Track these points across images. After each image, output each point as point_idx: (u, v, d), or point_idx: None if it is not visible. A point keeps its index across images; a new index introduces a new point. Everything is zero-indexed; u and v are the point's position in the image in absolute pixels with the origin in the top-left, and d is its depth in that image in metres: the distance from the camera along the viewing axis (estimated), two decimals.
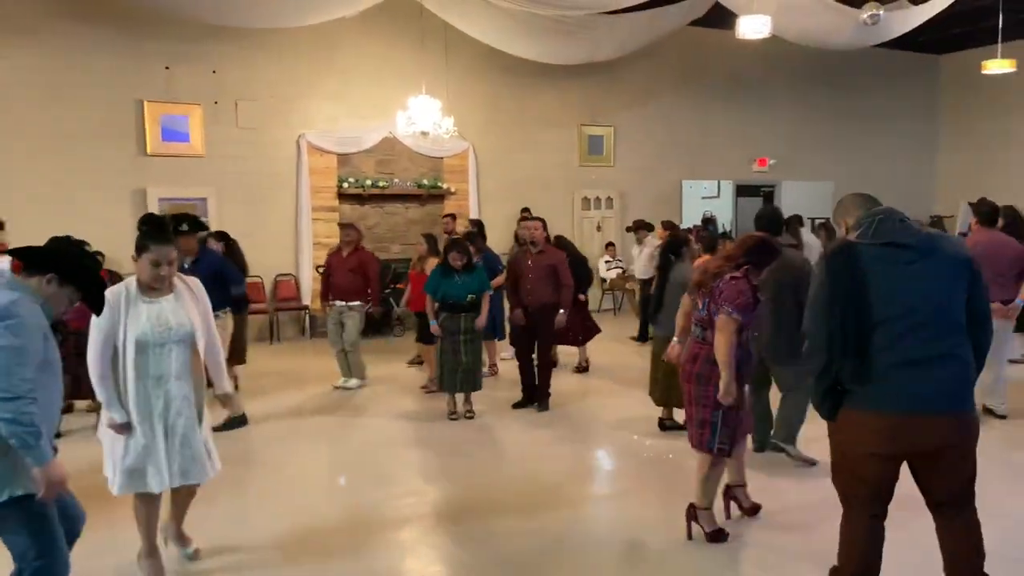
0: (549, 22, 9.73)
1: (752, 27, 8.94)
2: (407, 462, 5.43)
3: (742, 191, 14.62)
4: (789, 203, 14.23)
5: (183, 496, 3.64)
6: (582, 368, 8.03)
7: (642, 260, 9.87)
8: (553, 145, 12.30)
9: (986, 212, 5.95)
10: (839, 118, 14.41)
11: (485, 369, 7.22)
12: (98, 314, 2.99)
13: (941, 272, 2.80)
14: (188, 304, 3.41)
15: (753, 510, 4.22)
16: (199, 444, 3.44)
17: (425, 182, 11.13)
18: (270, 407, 6.66)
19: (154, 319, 3.29)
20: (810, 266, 4.59)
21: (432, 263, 6.83)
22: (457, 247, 6.28)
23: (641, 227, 10.23)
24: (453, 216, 9.53)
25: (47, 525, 2.64)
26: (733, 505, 4.24)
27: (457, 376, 6.22)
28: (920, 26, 10.61)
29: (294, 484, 4.91)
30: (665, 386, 5.66)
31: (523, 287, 6.50)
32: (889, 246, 2.82)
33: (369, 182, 10.74)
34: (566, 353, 8.21)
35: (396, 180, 10.97)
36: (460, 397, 6.38)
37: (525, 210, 11.55)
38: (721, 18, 10.32)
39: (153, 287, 3.33)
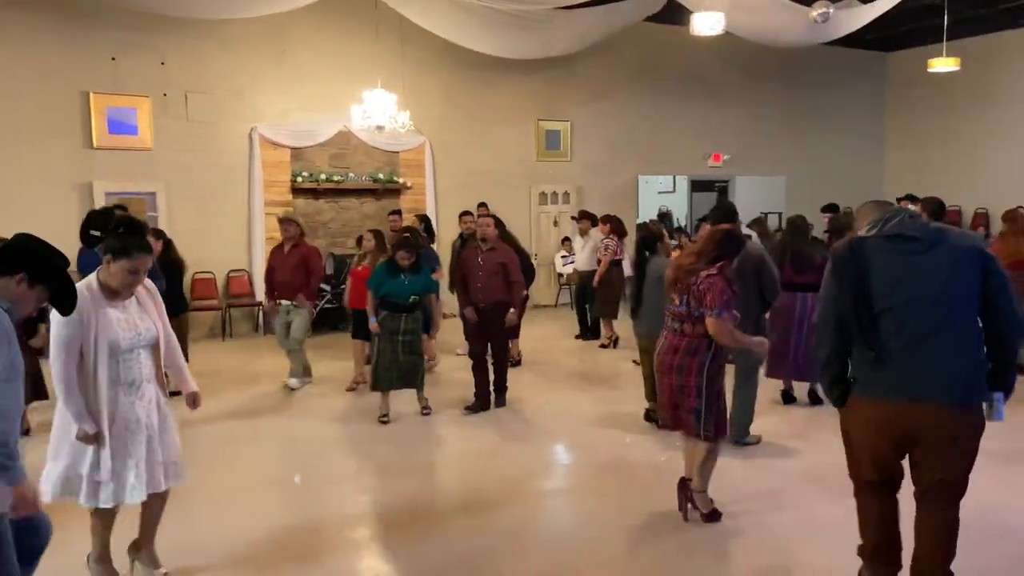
0: (505, 16, 9.72)
1: (706, 24, 9.05)
2: (357, 462, 5.38)
3: (697, 186, 14.80)
4: (743, 198, 14.44)
5: (156, 507, 3.49)
6: (514, 363, 7.87)
7: (585, 253, 9.64)
8: (510, 140, 12.29)
9: (934, 208, 6.12)
10: (791, 114, 14.67)
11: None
12: (67, 315, 2.85)
13: (948, 263, 2.84)
14: (150, 307, 3.37)
15: (713, 516, 4.12)
16: (176, 446, 3.43)
17: (381, 176, 11.03)
18: (218, 407, 6.48)
19: (123, 324, 3.22)
20: (767, 254, 5.09)
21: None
22: (407, 246, 6.14)
23: (585, 218, 9.95)
24: (399, 212, 9.34)
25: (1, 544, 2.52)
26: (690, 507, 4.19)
27: (392, 375, 6.07)
28: (868, 24, 10.86)
29: (245, 489, 4.80)
30: (647, 381, 5.75)
31: (473, 285, 6.39)
32: (896, 238, 2.91)
33: (323, 176, 10.60)
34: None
35: (351, 174, 10.85)
36: (396, 398, 6.21)
37: (482, 205, 11.53)
38: (675, 14, 10.41)
39: (117, 292, 3.24)
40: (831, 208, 9.79)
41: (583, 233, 9.78)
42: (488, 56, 10.77)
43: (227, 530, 4.10)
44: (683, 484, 4.18)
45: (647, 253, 5.74)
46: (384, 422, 6.08)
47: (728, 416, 4.10)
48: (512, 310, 6.42)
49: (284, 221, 7.38)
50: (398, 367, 6.06)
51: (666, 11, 10.59)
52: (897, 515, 3.11)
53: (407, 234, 6.82)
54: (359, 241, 8.23)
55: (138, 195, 9.54)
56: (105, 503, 3.24)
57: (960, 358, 2.85)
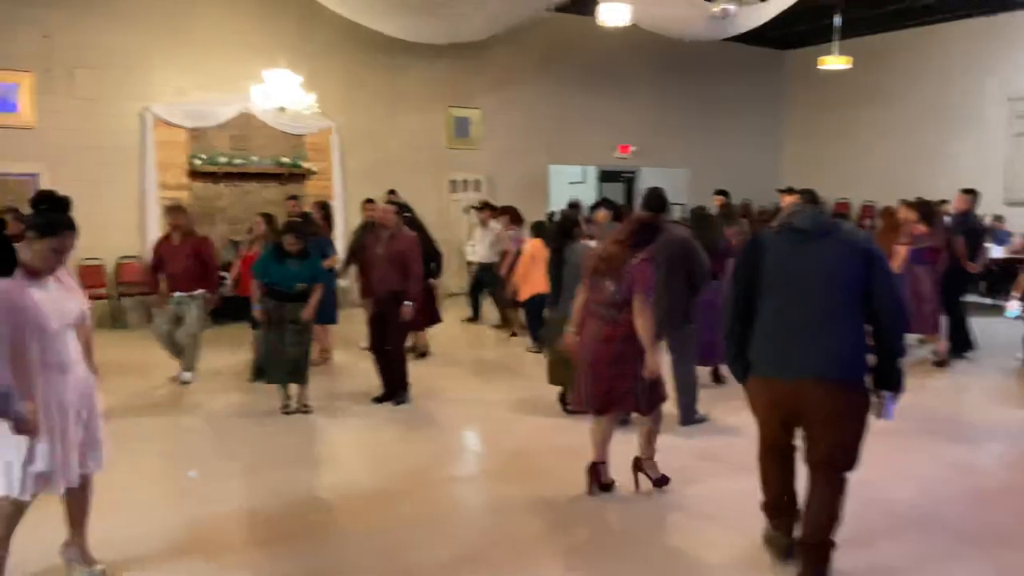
0: None
1: (612, 15, 9.19)
2: (257, 455, 5.17)
3: (605, 176, 15.03)
4: (647, 186, 14.77)
5: (82, 497, 3.32)
6: (422, 354, 7.75)
7: (485, 244, 9.52)
8: (420, 126, 12.14)
9: (808, 199, 6.38)
10: (695, 107, 15.07)
11: (315, 356, 6.74)
12: (6, 275, 2.74)
13: (831, 256, 3.08)
14: (72, 285, 3.23)
15: (662, 481, 4.28)
16: (101, 430, 3.35)
17: (285, 160, 10.68)
18: (108, 401, 6.04)
19: (50, 304, 3.03)
20: (694, 240, 5.24)
21: None
22: (294, 230, 5.84)
23: (485, 209, 9.86)
24: (297, 198, 8.99)
25: None
26: (641, 476, 4.30)
27: (283, 368, 5.78)
28: (766, 22, 11.25)
29: (138, 485, 4.54)
30: (560, 367, 5.67)
31: (372, 274, 6.17)
32: (787, 230, 3.19)
33: (223, 159, 10.19)
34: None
35: (253, 158, 10.46)
36: (294, 389, 5.94)
37: (391, 192, 11.35)
38: (584, 5, 10.52)
39: (39, 271, 3.03)
40: (723, 192, 10.10)
41: (483, 224, 9.72)
42: (397, 40, 10.59)
43: (124, 526, 3.87)
44: (594, 468, 4.21)
45: (566, 239, 5.73)
46: (287, 412, 5.87)
47: (657, 385, 4.15)
48: (407, 303, 6.03)
49: (174, 210, 6.99)
50: (285, 359, 5.75)
51: (575, 1, 10.69)
52: (793, 475, 3.39)
53: (298, 219, 6.61)
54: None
55: (19, 176, 8.93)
56: (34, 493, 3.06)
57: (836, 340, 3.05)
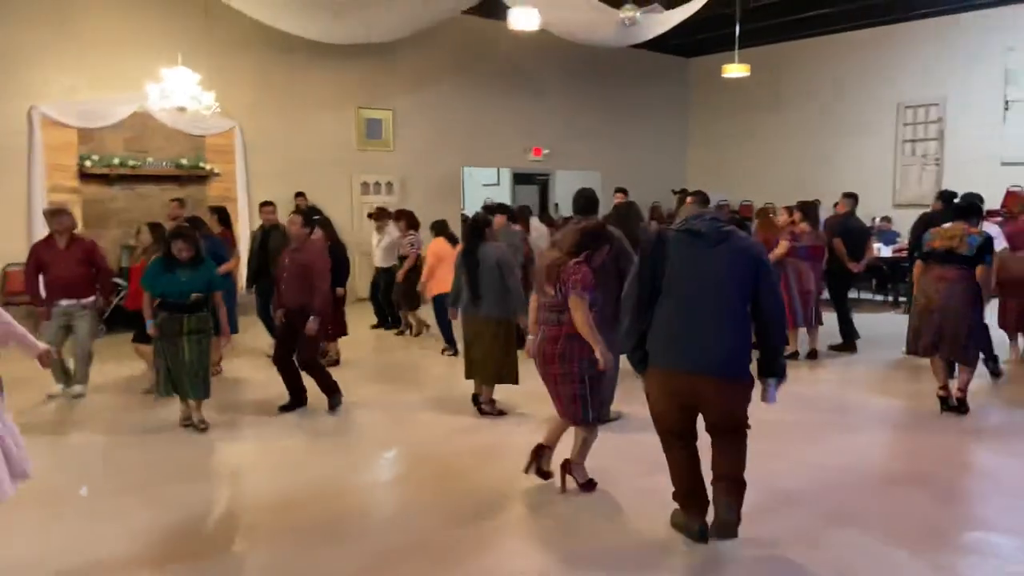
0: None
1: (522, 19, 9.24)
2: (153, 470, 4.95)
3: (519, 179, 15.14)
4: (562, 192, 15.00)
5: None
6: (334, 362, 7.56)
7: (381, 249, 9.38)
8: (329, 127, 11.90)
9: (702, 200, 6.60)
10: (605, 112, 15.36)
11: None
12: None
13: (725, 259, 3.35)
14: None
15: (588, 485, 4.34)
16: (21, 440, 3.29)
17: (184, 162, 10.27)
18: None
19: None
20: (625, 242, 5.29)
21: None
22: (183, 237, 5.49)
23: (383, 215, 9.67)
24: (181, 201, 8.52)
25: None
26: (569, 478, 4.35)
27: (184, 382, 5.46)
28: (672, 30, 11.56)
29: (12, 511, 4.25)
30: (476, 365, 5.80)
31: (279, 286, 5.99)
32: (688, 232, 3.43)
33: (117, 161, 9.70)
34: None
35: (150, 159, 10.01)
36: (193, 402, 5.63)
37: (299, 195, 11.11)
38: (495, 8, 10.55)
39: None
40: (622, 190, 10.29)
41: (379, 229, 9.54)
42: (304, 39, 10.35)
43: (8, 550, 3.63)
44: (539, 449, 4.34)
45: (478, 241, 5.76)
46: (188, 425, 5.62)
47: (601, 401, 4.33)
48: (312, 318, 5.80)
49: (57, 213, 6.55)
50: (186, 374, 5.45)
51: (486, 5, 10.71)
52: (698, 462, 3.59)
53: (185, 223, 6.29)
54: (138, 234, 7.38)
55: None
56: None
57: (729, 339, 3.34)
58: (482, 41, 13.16)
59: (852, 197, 8.69)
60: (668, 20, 11.21)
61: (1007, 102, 12.76)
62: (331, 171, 11.84)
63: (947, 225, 5.84)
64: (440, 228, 8.41)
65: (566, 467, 4.33)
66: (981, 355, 6.17)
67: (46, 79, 9.33)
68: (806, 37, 14.61)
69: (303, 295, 5.82)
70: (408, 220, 9.08)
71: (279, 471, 4.87)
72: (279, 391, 6.13)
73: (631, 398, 5.81)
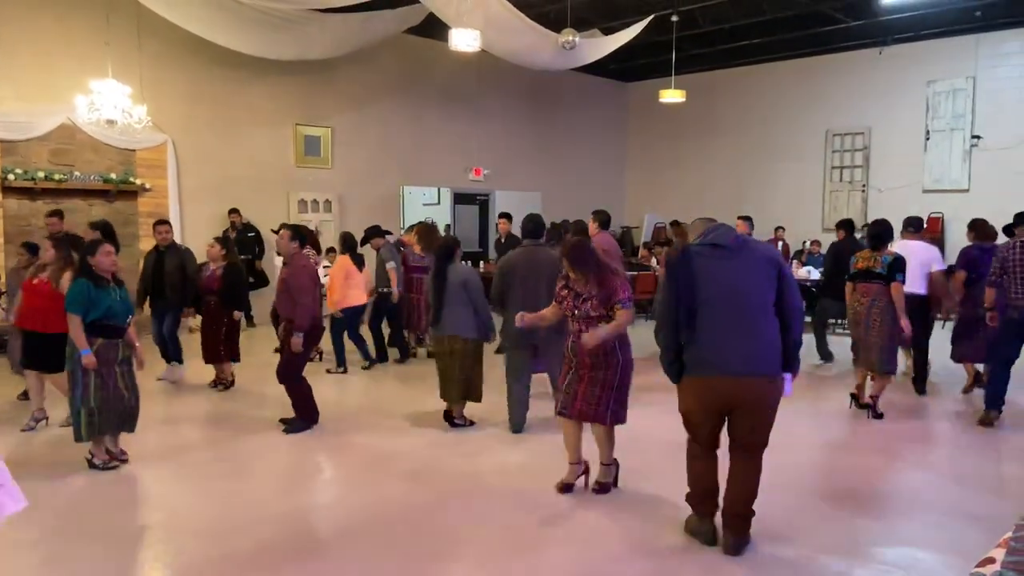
0: (255, 13, 9.25)
1: (463, 40, 9.26)
2: (49, 525, 4.72)
3: (460, 199, 15.10)
4: (502, 210, 15.01)
5: None
6: (227, 385, 7.28)
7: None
8: (266, 143, 11.70)
9: (603, 220, 6.93)
10: (545, 133, 15.52)
11: None
12: None
13: (748, 267, 3.60)
14: None
15: (604, 489, 4.60)
16: None
17: (113, 177, 9.92)
18: None
19: None
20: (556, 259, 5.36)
21: (68, 276, 5.31)
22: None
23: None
24: (60, 214, 7.93)
25: None
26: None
27: (117, 416, 4.99)
28: (610, 55, 11.79)
29: None
30: (448, 383, 5.93)
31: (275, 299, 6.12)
32: (711, 246, 3.65)
33: (42, 174, 9.32)
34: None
35: (77, 173, 9.65)
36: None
37: (233, 211, 10.89)
38: (436, 29, 10.58)
39: None
40: (506, 215, 10.38)
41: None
42: (240, 54, 10.18)
43: None
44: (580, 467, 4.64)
45: (448, 261, 5.91)
46: (112, 467, 5.02)
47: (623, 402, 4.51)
48: (296, 334, 5.80)
49: None
50: (122, 407, 5.01)
51: (427, 25, 10.74)
52: (716, 468, 3.83)
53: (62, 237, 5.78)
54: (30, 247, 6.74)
55: None
56: None
57: (760, 340, 3.57)
58: (423, 61, 13.16)
59: (747, 220, 9.44)
60: (607, 45, 11.43)
61: (928, 132, 13.37)
62: (268, 188, 11.63)
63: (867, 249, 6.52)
64: (348, 245, 8.31)
65: (587, 469, 4.65)
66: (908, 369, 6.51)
67: None
68: (740, 65, 15.08)
69: (288, 310, 5.91)
70: (311, 239, 8.71)
71: (208, 498, 4.69)
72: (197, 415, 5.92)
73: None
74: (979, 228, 7.20)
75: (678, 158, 16.35)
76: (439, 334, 5.92)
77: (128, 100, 8.87)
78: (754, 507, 3.75)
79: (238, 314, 7.27)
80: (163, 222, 7.65)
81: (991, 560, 1.89)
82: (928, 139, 13.38)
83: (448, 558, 3.81)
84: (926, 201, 13.12)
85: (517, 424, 5.87)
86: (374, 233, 8.83)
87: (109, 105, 8.70)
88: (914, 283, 6.65)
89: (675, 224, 11.35)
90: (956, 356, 7.25)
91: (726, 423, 3.73)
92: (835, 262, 8.10)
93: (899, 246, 6.77)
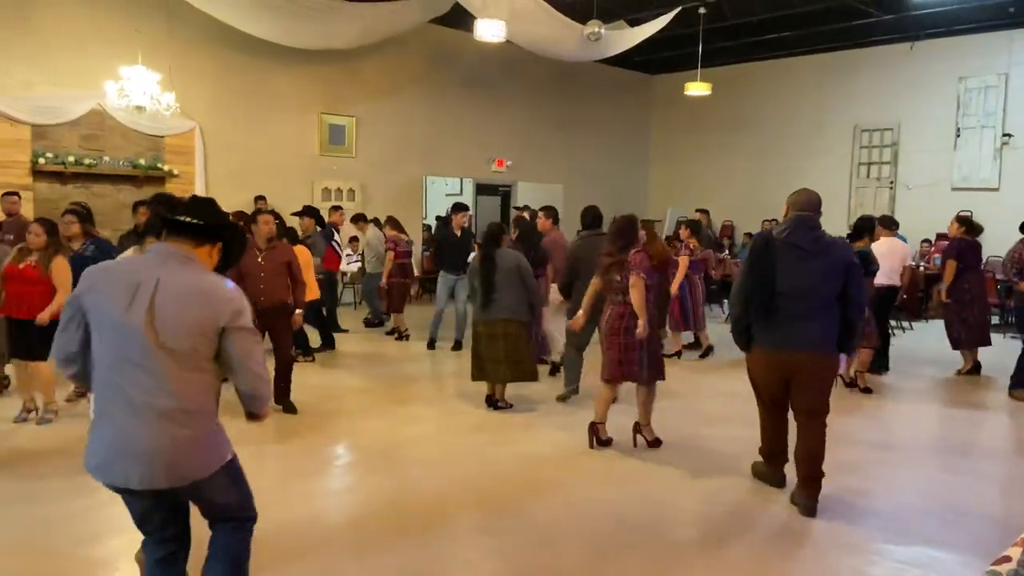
0: (284, 1, 9.33)
1: (489, 30, 9.29)
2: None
3: (482, 189, 15.15)
4: (525, 203, 15.01)
5: None
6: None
7: None
8: (291, 131, 11.80)
9: (590, 220, 6.87)
10: (568, 125, 15.47)
11: None
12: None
13: (821, 269, 4.11)
14: None
15: (656, 443, 5.26)
16: None
17: (142, 162, 10.07)
18: None
19: None
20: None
21: (59, 261, 5.42)
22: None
23: (242, 219, 9.02)
24: (17, 196, 7.80)
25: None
26: (639, 438, 5.28)
27: None
28: (636, 47, 11.73)
29: None
30: (493, 366, 6.12)
31: (253, 285, 5.80)
32: (791, 245, 4.13)
33: (72, 159, 9.48)
34: None
35: (106, 158, 9.80)
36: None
37: (260, 198, 10.99)
38: (462, 19, 10.60)
39: None
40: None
41: None
42: (267, 42, 10.26)
43: None
44: (593, 426, 5.23)
45: (494, 247, 6.14)
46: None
47: (657, 363, 5.16)
48: (298, 311, 6.10)
49: None
50: None
51: (452, 15, 10.75)
52: (786, 427, 4.45)
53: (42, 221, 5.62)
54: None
55: None
56: None
57: (821, 324, 4.14)
58: (447, 51, 13.18)
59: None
60: (633, 37, 11.37)
61: (958, 129, 13.17)
62: (292, 176, 11.73)
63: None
64: (293, 237, 7.85)
65: (637, 428, 5.25)
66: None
67: (0, 73, 9.10)
68: (767, 59, 14.93)
69: (285, 291, 6.01)
70: (318, 218, 8.72)
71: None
72: None
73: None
74: (967, 223, 7.90)
75: (702, 152, 16.24)
76: (490, 317, 6.04)
77: (157, 87, 9.00)
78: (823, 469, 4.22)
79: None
80: (143, 203, 7.13)
81: (1007, 559, 1.89)
82: (958, 136, 13.18)
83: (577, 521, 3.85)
84: (955, 199, 12.94)
85: (573, 382, 6.50)
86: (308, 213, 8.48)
87: (138, 91, 8.83)
88: (892, 275, 7.39)
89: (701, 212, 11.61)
90: (953, 344, 7.85)
91: (789, 392, 4.30)
92: None
93: (882, 242, 7.38)
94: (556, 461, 5.07)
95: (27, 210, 8.76)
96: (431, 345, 8.80)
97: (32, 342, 5.40)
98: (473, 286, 6.28)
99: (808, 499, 4.16)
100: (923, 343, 9.75)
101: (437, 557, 3.65)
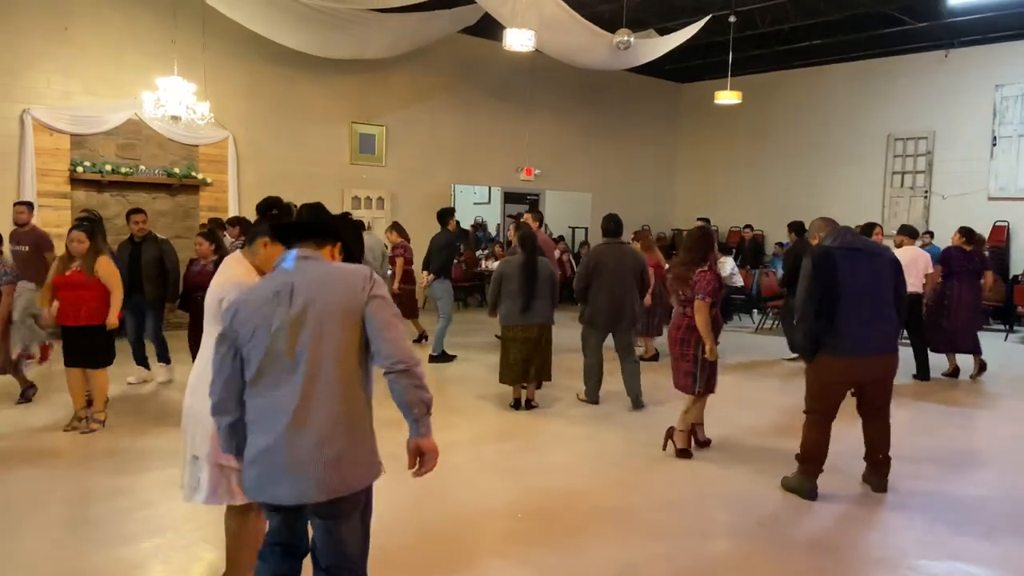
0: (315, 13, 9.46)
1: (518, 40, 9.32)
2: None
3: (510, 198, 15.18)
4: (552, 212, 15.05)
5: None
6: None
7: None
8: (322, 141, 11.94)
9: (612, 228, 6.88)
10: (597, 134, 15.46)
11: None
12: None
13: (879, 268, 4.42)
14: None
15: (707, 443, 5.48)
16: None
17: (177, 171, 10.26)
18: None
19: None
20: (642, 256, 7.06)
21: (103, 261, 5.53)
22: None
23: (214, 225, 8.47)
24: (25, 204, 7.83)
25: None
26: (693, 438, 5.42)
27: None
28: (665, 55, 11.70)
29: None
30: (530, 367, 6.34)
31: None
32: (850, 249, 4.39)
33: (109, 167, 9.68)
34: None
35: (142, 167, 10.00)
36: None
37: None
38: (490, 28, 10.66)
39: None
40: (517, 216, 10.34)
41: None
42: (299, 53, 10.41)
43: None
44: (692, 428, 5.35)
45: (535, 253, 6.35)
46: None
47: (708, 377, 5.20)
48: None
49: None
50: None
51: (481, 24, 10.83)
52: (829, 436, 4.50)
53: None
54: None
55: None
56: None
57: (889, 325, 4.43)
58: (476, 60, 13.26)
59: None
60: (662, 46, 11.35)
61: (995, 138, 12.94)
62: (323, 184, 11.85)
63: None
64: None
65: (669, 434, 5.31)
66: None
67: (41, 83, 9.34)
68: (798, 67, 14.81)
69: None
70: (243, 228, 8.31)
71: None
72: None
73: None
74: (967, 233, 8.19)
75: (732, 160, 16.13)
76: (530, 322, 6.27)
77: (192, 97, 9.15)
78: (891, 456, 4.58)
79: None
80: (138, 211, 7.23)
81: None
82: (995, 145, 12.95)
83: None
84: (991, 209, 12.71)
85: (594, 394, 6.65)
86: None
87: (174, 101, 8.98)
88: (915, 284, 7.61)
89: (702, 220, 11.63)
90: (929, 346, 8.16)
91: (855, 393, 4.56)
92: (792, 263, 8.43)
93: (905, 250, 7.69)
94: (582, 469, 5.06)
95: (65, 218, 8.99)
96: (449, 357, 8.59)
97: (89, 349, 5.45)
98: (498, 291, 6.36)
99: (880, 478, 4.57)
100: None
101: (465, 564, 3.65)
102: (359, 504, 2.42)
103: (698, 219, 12.36)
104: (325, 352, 2.29)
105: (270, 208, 3.14)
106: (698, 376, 5.13)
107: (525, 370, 6.34)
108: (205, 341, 2.92)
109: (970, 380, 8.06)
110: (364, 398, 2.38)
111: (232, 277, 2.86)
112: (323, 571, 2.43)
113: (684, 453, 5.23)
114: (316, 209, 2.68)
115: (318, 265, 2.40)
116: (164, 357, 7.19)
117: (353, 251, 2.61)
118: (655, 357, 8.71)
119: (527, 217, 8.14)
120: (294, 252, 2.42)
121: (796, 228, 9.09)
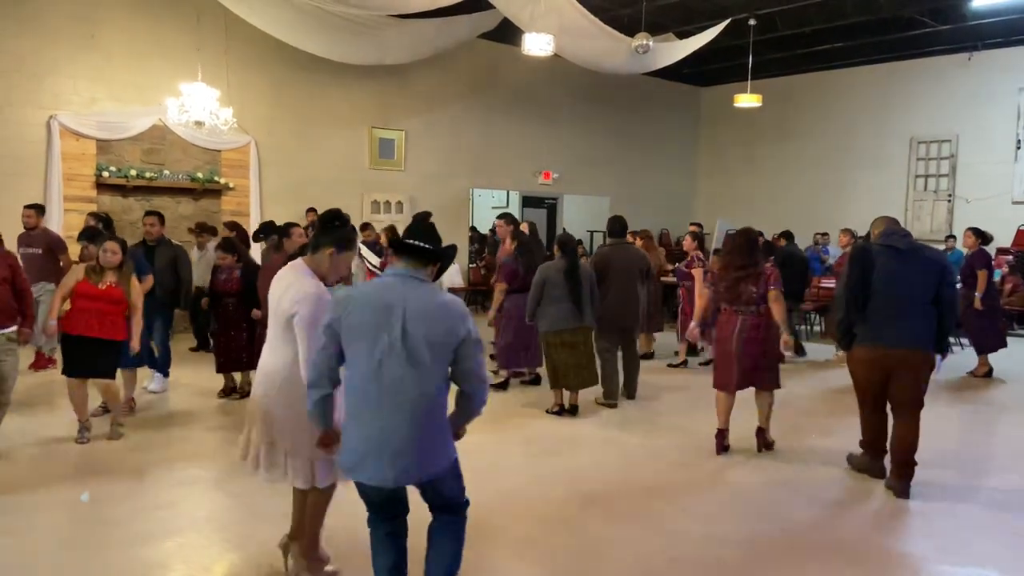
0: (337, 19, 9.55)
1: (537, 44, 9.35)
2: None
3: (528, 202, 15.20)
4: (570, 216, 15.07)
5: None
6: (245, 393, 6.70)
7: (201, 267, 8.10)
8: (342, 145, 12.04)
9: (618, 229, 7.10)
10: (615, 138, 15.45)
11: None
12: None
13: (918, 269, 4.51)
14: None
15: (771, 446, 5.53)
16: None
17: (200, 176, 10.39)
18: None
19: None
20: (646, 254, 7.43)
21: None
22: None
23: (204, 231, 8.79)
24: (34, 208, 7.78)
25: None
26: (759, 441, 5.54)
27: None
28: (684, 59, 11.68)
29: None
30: (578, 372, 6.34)
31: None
32: (888, 248, 4.55)
33: (134, 172, 9.84)
34: None
35: (166, 172, 10.14)
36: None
37: (311, 211, 11.23)
38: (509, 33, 10.71)
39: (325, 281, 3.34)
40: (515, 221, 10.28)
41: (200, 247, 8.65)
42: (320, 58, 10.51)
43: None
44: (721, 433, 5.42)
45: (577, 259, 6.41)
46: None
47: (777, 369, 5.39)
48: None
49: None
50: None
51: (500, 29, 10.88)
52: (885, 422, 4.77)
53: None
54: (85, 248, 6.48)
55: None
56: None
57: (918, 323, 4.52)
58: (495, 65, 13.31)
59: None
60: (681, 50, 11.33)
61: (1019, 141, 12.78)
62: (343, 189, 11.94)
63: None
64: (228, 244, 7.07)
65: (760, 433, 5.46)
66: None
67: (67, 89, 9.50)
68: (819, 70, 14.71)
69: None
70: (239, 234, 8.40)
71: None
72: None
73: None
74: (981, 234, 8.33)
75: (751, 164, 16.05)
76: (578, 325, 6.28)
77: (216, 103, 9.27)
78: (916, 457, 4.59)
79: (258, 312, 6.24)
80: (152, 213, 7.04)
81: None
82: (1019, 148, 12.81)
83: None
84: (1016, 212, 12.55)
85: (614, 392, 6.72)
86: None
87: (198, 107, 9.11)
88: None
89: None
90: (980, 349, 8.30)
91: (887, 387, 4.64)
92: (783, 267, 8.45)
93: None
94: (603, 472, 5.08)
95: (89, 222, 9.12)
96: None
97: (99, 360, 5.29)
98: (539, 296, 6.30)
99: (901, 482, 4.55)
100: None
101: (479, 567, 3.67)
102: (447, 475, 2.85)
103: (691, 224, 12.08)
104: (420, 369, 2.68)
105: (333, 220, 3.37)
106: (778, 372, 5.35)
107: (579, 375, 6.35)
108: (272, 344, 3.27)
109: (970, 376, 8.33)
110: (442, 402, 2.79)
111: (305, 289, 3.15)
112: (436, 509, 2.93)
113: (771, 446, 5.45)
114: (429, 230, 2.90)
115: (427, 293, 2.75)
116: (164, 369, 6.93)
117: (443, 271, 2.99)
118: (650, 355, 8.89)
119: (524, 226, 7.83)
120: (406, 271, 2.77)
121: (786, 235, 9.89)
